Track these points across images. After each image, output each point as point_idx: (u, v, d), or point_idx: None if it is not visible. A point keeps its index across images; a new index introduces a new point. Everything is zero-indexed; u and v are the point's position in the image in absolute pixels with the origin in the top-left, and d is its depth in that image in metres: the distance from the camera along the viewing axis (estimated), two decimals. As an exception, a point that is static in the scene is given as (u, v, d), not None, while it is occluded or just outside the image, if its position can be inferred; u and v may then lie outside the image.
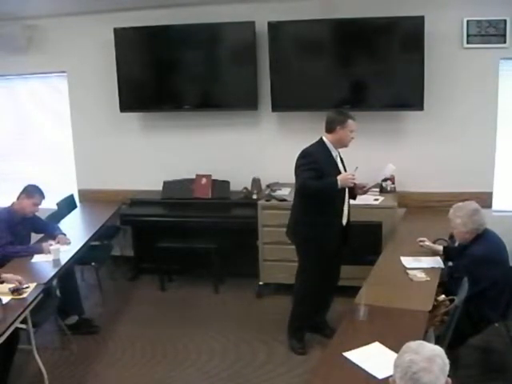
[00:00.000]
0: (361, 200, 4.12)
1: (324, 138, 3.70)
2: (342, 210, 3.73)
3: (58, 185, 5.62)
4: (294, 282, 3.96)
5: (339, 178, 3.52)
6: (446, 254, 3.66)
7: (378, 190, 4.76)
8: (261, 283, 4.85)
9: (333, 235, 3.69)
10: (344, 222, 3.77)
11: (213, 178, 5.20)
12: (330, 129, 3.67)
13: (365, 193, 3.89)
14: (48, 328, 4.12)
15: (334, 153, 3.71)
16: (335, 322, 3.71)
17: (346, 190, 3.70)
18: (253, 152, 5.22)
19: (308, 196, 3.62)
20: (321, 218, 3.62)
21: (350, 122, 3.64)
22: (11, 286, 3.28)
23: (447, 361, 1.69)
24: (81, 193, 5.68)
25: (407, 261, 3.57)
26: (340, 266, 3.99)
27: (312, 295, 3.83)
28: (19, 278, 3.35)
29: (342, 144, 3.70)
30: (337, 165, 3.72)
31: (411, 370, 1.63)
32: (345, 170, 3.76)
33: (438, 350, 1.70)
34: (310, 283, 3.78)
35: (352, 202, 3.86)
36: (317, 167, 3.55)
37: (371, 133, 4.74)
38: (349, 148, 3.75)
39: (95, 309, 4.67)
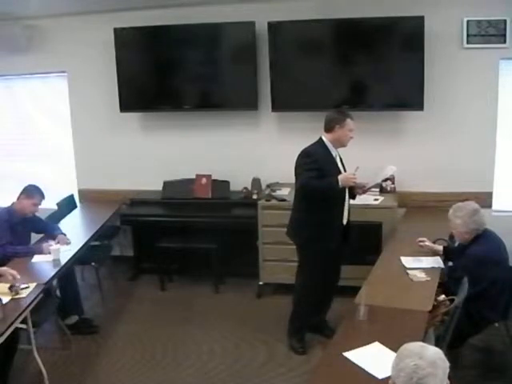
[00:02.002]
0: (361, 200, 4.12)
1: (323, 138, 3.70)
2: (343, 210, 3.73)
3: (58, 185, 5.63)
4: (294, 281, 3.96)
5: (340, 177, 3.52)
6: (446, 254, 3.65)
7: (377, 190, 4.76)
8: (261, 283, 4.85)
9: (333, 235, 3.69)
10: (344, 221, 3.78)
11: (213, 178, 5.20)
12: (328, 128, 3.68)
13: (364, 193, 3.90)
14: (48, 328, 4.12)
15: (334, 152, 3.72)
16: (335, 321, 3.71)
17: (347, 189, 3.71)
18: (253, 152, 5.22)
19: (309, 196, 3.62)
20: (321, 217, 3.63)
21: (348, 121, 3.64)
22: (9, 284, 3.27)
23: (447, 362, 1.70)
24: (81, 193, 5.68)
25: (407, 261, 3.57)
26: (340, 266, 3.99)
27: (312, 295, 3.83)
28: (13, 271, 3.34)
29: (340, 143, 3.71)
30: (337, 164, 3.72)
31: (417, 375, 1.64)
32: (344, 170, 3.76)
33: (439, 353, 1.71)
34: (310, 283, 3.78)
35: (352, 201, 3.86)
36: (317, 167, 3.55)
37: (371, 133, 4.74)
38: (348, 148, 3.75)
39: (95, 309, 4.67)
